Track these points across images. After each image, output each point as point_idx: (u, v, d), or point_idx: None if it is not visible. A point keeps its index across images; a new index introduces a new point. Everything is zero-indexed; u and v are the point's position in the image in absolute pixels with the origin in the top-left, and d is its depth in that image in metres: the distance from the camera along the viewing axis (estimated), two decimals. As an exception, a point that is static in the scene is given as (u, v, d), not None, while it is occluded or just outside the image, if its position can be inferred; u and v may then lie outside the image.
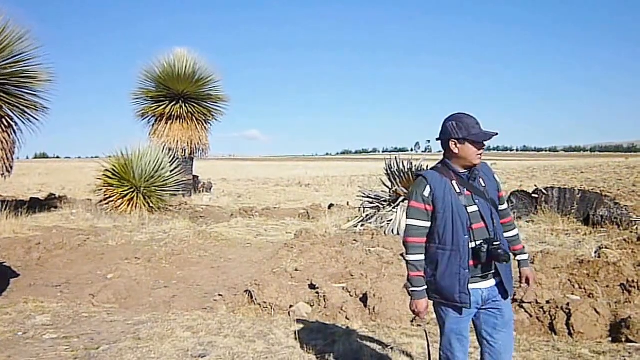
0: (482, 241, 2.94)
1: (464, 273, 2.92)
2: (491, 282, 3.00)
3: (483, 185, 3.08)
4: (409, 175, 11.42)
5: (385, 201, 12.14)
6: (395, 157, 12.16)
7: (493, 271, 2.98)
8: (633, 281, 6.59)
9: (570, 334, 5.23)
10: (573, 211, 12.32)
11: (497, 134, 3.04)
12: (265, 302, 6.13)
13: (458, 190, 2.98)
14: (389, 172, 12.00)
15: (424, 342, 4.88)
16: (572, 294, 6.46)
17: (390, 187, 12.06)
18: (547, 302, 5.70)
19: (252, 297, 6.24)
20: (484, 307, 3.02)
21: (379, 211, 11.96)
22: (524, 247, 3.30)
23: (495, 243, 2.94)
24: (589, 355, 4.61)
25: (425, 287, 2.99)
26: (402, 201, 11.39)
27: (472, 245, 2.94)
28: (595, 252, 8.93)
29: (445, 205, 2.94)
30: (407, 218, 3.03)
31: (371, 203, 12.60)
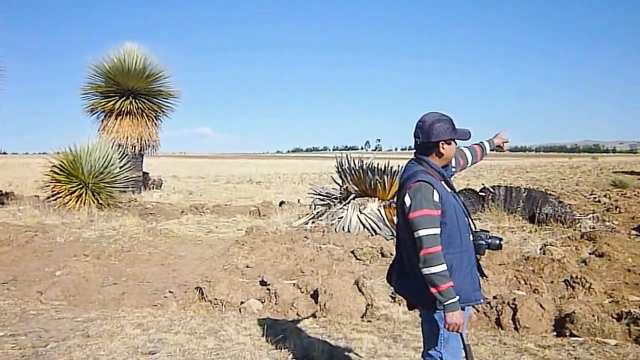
0: (476, 235, 3.02)
1: (474, 271, 2.97)
2: None
3: None
4: (360, 173, 11.56)
5: (336, 199, 12.26)
6: (347, 155, 12.28)
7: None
8: (577, 277, 6.89)
9: (516, 328, 5.41)
10: (519, 209, 12.72)
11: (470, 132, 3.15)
12: (216, 299, 6.13)
13: (449, 190, 2.98)
14: (340, 169, 12.11)
15: (374, 337, 5.01)
16: (518, 290, 6.68)
17: (341, 184, 12.18)
18: (494, 297, 5.89)
19: (202, 294, 6.24)
20: None
21: (329, 208, 12.07)
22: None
23: (489, 233, 3.04)
24: (535, 350, 4.79)
25: (458, 297, 2.78)
26: (353, 198, 11.54)
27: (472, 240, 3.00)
28: (540, 249, 9.25)
29: (450, 207, 2.89)
30: (420, 229, 2.76)
31: (322, 200, 12.71)
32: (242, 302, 6.12)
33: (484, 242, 3.01)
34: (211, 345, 4.75)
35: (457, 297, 2.75)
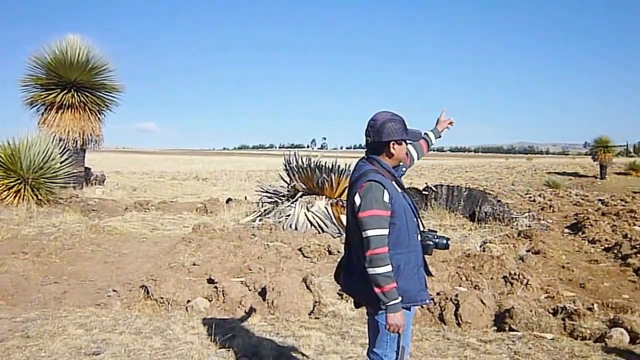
0: (424, 235, 3.05)
1: (421, 271, 2.99)
2: None
3: None
4: (308, 171, 11.62)
5: (283, 196, 12.30)
6: (295, 153, 12.32)
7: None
8: (515, 274, 7.16)
9: (458, 323, 5.59)
10: (460, 208, 13.09)
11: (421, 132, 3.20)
12: (162, 298, 6.06)
13: (399, 190, 2.97)
14: (288, 167, 12.15)
15: (322, 334, 5.07)
16: (460, 286, 6.88)
17: (289, 182, 12.22)
18: (437, 293, 6.05)
19: (148, 293, 6.15)
20: None
21: (277, 206, 12.09)
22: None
23: (437, 234, 3.07)
24: (477, 344, 4.94)
25: (401, 298, 2.79)
26: (301, 196, 11.59)
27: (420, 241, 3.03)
28: (481, 247, 9.56)
29: (400, 207, 2.88)
30: (369, 229, 2.76)
31: (269, 198, 12.72)
32: (188, 301, 6.07)
33: (431, 242, 3.04)
34: (157, 345, 4.69)
35: (400, 299, 2.77)
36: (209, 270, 7.20)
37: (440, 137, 3.55)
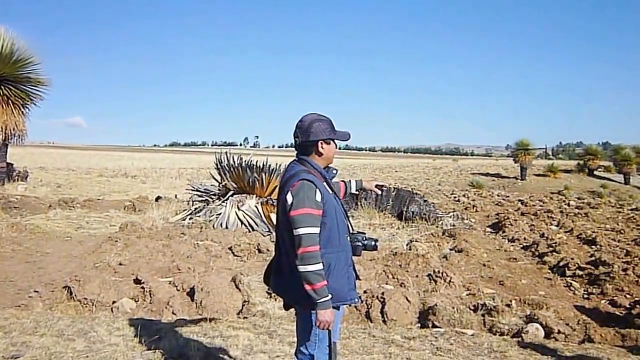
0: (353, 236, 3.11)
1: (350, 270, 3.03)
2: None
3: None
4: (239, 170, 11.59)
5: (214, 195, 12.20)
6: (226, 152, 12.25)
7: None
8: (439, 272, 7.43)
9: (384, 321, 5.74)
10: (388, 207, 13.40)
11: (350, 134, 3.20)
12: (86, 299, 5.89)
13: (330, 191, 3.00)
14: (219, 166, 12.07)
15: (250, 334, 5.09)
16: (387, 284, 7.06)
17: (220, 181, 12.14)
18: (365, 291, 6.18)
19: (71, 294, 5.96)
20: None
21: (208, 205, 11.98)
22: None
23: (366, 235, 3.14)
24: (401, 341, 5.09)
25: (331, 295, 2.83)
26: (232, 195, 11.54)
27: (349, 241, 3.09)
28: (407, 245, 9.85)
29: (331, 207, 2.92)
30: (300, 227, 2.79)
31: (200, 197, 12.59)
32: (114, 302, 5.93)
33: (360, 244, 3.11)
34: (80, 348, 4.56)
35: (330, 296, 2.80)
36: (136, 270, 7.06)
37: (361, 189, 3.61)
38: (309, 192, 2.83)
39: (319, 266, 2.78)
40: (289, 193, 2.87)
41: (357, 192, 3.64)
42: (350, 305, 5.80)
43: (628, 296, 7.39)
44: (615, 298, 7.25)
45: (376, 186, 3.59)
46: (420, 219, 12.84)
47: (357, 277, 3.21)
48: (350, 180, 3.58)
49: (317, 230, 2.82)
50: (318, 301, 2.78)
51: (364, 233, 3.21)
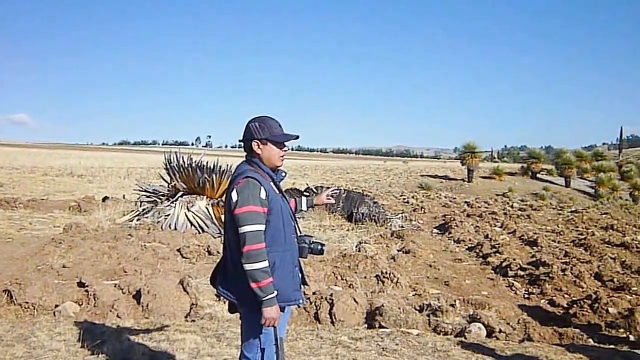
0: (300, 239, 3.13)
1: (296, 271, 3.05)
2: None
3: None
4: (189, 171, 11.46)
5: (163, 196, 12.02)
6: (176, 152, 12.09)
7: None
8: (386, 273, 7.56)
9: (332, 322, 5.80)
10: (339, 209, 13.53)
11: (297, 136, 3.16)
12: (27, 302, 5.72)
13: (277, 191, 3.03)
14: (169, 167, 11.90)
15: (197, 337, 5.06)
16: (336, 285, 7.14)
17: (169, 181, 11.97)
18: (314, 293, 6.24)
19: (11, 297, 5.77)
20: None
21: (156, 205, 11.80)
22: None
23: (313, 239, 3.16)
24: (348, 342, 5.17)
25: (276, 292, 2.86)
26: (181, 196, 11.40)
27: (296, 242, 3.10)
28: (356, 247, 9.96)
29: (276, 206, 2.94)
30: (245, 224, 2.81)
31: (148, 197, 12.38)
32: (56, 305, 5.79)
33: (307, 246, 3.15)
34: (20, 354, 4.46)
35: (276, 293, 2.83)
36: (80, 272, 6.90)
37: (311, 207, 3.57)
38: (253, 190, 2.86)
39: (265, 264, 2.80)
40: (234, 191, 2.90)
41: (307, 210, 3.64)
42: (299, 307, 5.86)
43: (566, 296, 7.69)
44: (554, 298, 7.53)
45: (327, 197, 3.55)
46: (369, 221, 13.02)
47: (304, 282, 3.25)
48: (301, 198, 3.57)
49: (262, 227, 2.84)
50: (264, 299, 2.80)
51: (311, 236, 3.24)
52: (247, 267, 2.79)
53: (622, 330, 6.18)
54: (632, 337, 5.88)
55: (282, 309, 2.98)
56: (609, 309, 6.66)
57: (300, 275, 3.14)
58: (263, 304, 2.81)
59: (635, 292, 7.76)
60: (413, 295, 7.06)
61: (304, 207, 3.54)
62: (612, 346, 5.63)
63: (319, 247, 3.21)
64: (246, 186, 2.88)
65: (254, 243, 2.79)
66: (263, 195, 2.87)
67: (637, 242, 12.20)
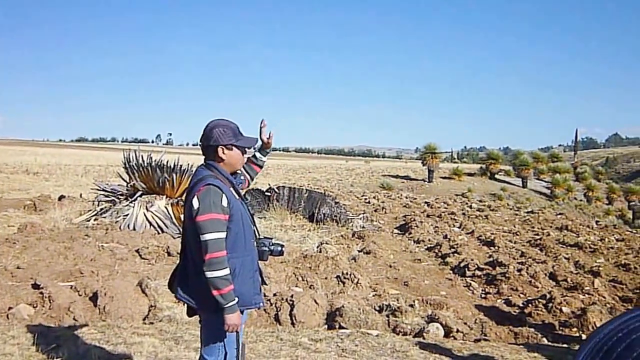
0: (260, 242, 3.14)
1: (256, 275, 3.06)
2: None
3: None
4: (148, 170, 11.30)
5: (122, 195, 11.82)
6: (135, 151, 11.90)
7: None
8: (347, 273, 7.61)
9: (293, 323, 5.82)
10: (300, 209, 13.54)
11: (257, 139, 3.19)
12: (-21, 305, 5.58)
13: (237, 197, 3.04)
14: (128, 165, 11.70)
15: (155, 340, 5.01)
16: (296, 286, 7.16)
17: (128, 181, 11.78)
18: (274, 294, 6.24)
19: (-38, 300, 5.63)
20: None
21: (114, 205, 11.59)
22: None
23: (273, 241, 3.18)
24: (308, 344, 5.18)
25: (237, 299, 2.87)
26: (140, 196, 11.24)
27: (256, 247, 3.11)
28: (317, 247, 9.99)
29: (237, 212, 2.95)
30: (207, 232, 2.82)
31: (107, 196, 12.16)
32: (10, 308, 5.63)
33: (267, 249, 3.17)
34: (-29, 358, 4.34)
35: (237, 300, 2.85)
36: (35, 274, 6.74)
37: (267, 152, 3.50)
38: (215, 198, 2.86)
39: (227, 271, 2.82)
40: (195, 198, 2.89)
41: (265, 157, 3.53)
42: (258, 309, 5.85)
43: (522, 295, 7.89)
44: (510, 297, 7.72)
45: (267, 138, 3.40)
46: (331, 221, 13.06)
47: (264, 282, 3.30)
48: (254, 155, 3.48)
49: (223, 235, 2.86)
50: (225, 306, 2.82)
51: (271, 238, 3.27)
52: (209, 274, 2.81)
53: (575, 329, 6.39)
54: (584, 336, 6.06)
55: (241, 312, 2.99)
56: (563, 308, 6.88)
57: (260, 278, 3.16)
58: (225, 311, 2.83)
59: (588, 291, 8.00)
60: (373, 295, 7.14)
61: (263, 159, 3.49)
62: (565, 345, 5.81)
63: (279, 248, 3.23)
64: (207, 193, 2.87)
65: (215, 251, 2.81)
66: (225, 202, 2.88)
67: (590, 242, 12.60)
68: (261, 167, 3.51)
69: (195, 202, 2.88)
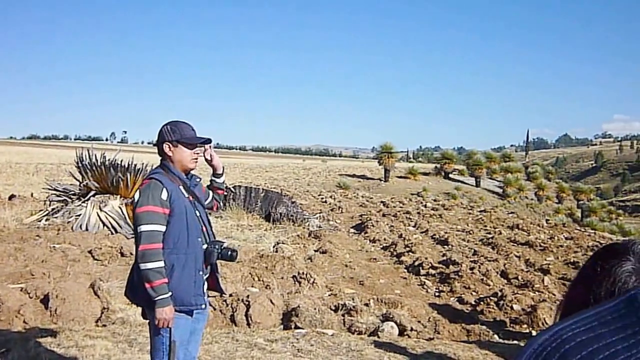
0: (210, 244, 3.12)
1: (200, 275, 3.04)
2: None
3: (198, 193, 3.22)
4: (102, 169, 11.09)
5: (74, 195, 11.57)
6: (88, 149, 11.66)
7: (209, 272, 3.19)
8: (303, 273, 7.65)
9: (249, 324, 5.81)
10: (257, 208, 13.52)
11: (210, 139, 3.18)
12: None
13: (186, 195, 3.06)
14: (80, 164, 11.46)
15: (108, 342, 4.94)
16: (253, 287, 7.16)
17: (80, 180, 11.53)
18: (230, 295, 6.20)
19: None
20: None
21: (66, 205, 11.34)
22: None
23: (224, 244, 3.17)
24: (264, 344, 5.19)
25: (170, 293, 2.87)
26: (93, 195, 11.03)
27: (204, 247, 3.09)
28: (274, 247, 10.01)
29: (181, 209, 2.96)
30: (142, 224, 2.86)
31: (59, 196, 11.88)
32: (-44, 312, 5.48)
33: (215, 252, 3.14)
34: None
35: (170, 294, 2.85)
36: (-17, 277, 6.56)
37: (219, 174, 3.46)
38: (154, 191, 2.92)
39: (160, 264, 2.84)
40: (138, 191, 2.97)
41: (222, 182, 3.56)
42: (214, 310, 5.84)
43: (474, 293, 8.09)
44: (463, 295, 7.90)
45: (208, 160, 3.37)
46: (287, 221, 13.10)
47: (219, 289, 3.31)
48: (211, 180, 3.50)
49: (160, 228, 2.89)
50: (156, 298, 2.83)
51: (223, 242, 3.26)
52: (142, 266, 2.84)
53: (525, 325, 6.60)
54: (534, 333, 6.26)
55: (190, 314, 3.01)
56: (514, 305, 7.10)
57: (203, 280, 3.12)
58: (156, 304, 2.83)
59: (538, 289, 8.26)
60: (329, 295, 7.20)
61: (219, 180, 3.48)
62: (515, 342, 6.00)
63: (229, 253, 3.19)
64: (148, 187, 2.94)
65: (148, 242, 2.84)
66: (164, 196, 2.92)
67: (540, 240, 12.99)
68: (223, 189, 3.53)
69: (136, 195, 2.97)
